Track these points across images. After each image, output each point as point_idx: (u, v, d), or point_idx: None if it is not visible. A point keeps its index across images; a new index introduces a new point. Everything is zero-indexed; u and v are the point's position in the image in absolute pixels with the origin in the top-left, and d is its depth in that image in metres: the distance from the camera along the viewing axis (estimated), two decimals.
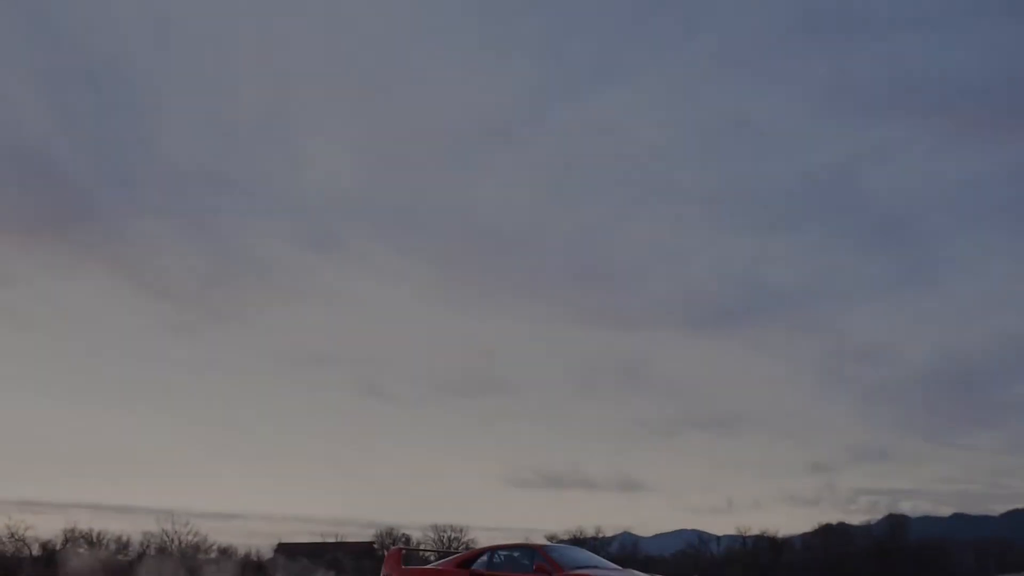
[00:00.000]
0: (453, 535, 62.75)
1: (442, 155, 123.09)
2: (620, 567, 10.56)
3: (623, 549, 67.26)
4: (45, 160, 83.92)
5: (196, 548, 53.92)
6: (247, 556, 54.30)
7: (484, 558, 10.38)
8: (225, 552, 54.61)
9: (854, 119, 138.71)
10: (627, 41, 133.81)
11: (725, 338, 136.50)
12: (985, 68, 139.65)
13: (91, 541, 52.98)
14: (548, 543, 10.41)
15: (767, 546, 76.68)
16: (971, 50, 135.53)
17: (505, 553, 10.30)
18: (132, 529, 56.24)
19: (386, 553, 11.14)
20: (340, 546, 60.48)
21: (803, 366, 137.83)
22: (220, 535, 60.58)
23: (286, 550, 56.17)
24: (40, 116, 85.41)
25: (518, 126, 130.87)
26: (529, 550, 10.10)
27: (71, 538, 52.25)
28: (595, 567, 10.05)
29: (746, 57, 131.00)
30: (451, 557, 10.96)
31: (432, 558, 12.77)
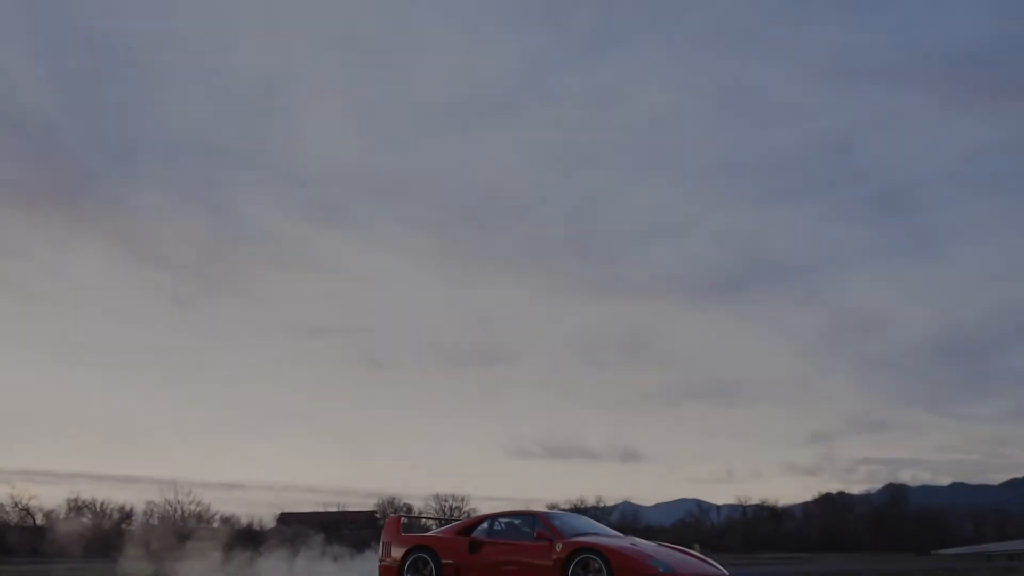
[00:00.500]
0: (454, 504, 63.21)
1: (442, 124, 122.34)
2: (622, 534, 10.40)
3: (624, 518, 67.71)
4: (44, 132, 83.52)
5: (198, 517, 54.28)
6: (249, 525, 54.67)
7: (484, 525, 10.23)
8: (227, 521, 55.00)
9: (855, 88, 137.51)
10: (628, 9, 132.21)
11: (726, 308, 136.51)
12: (988, 37, 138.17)
13: (94, 510, 53.37)
14: (550, 510, 10.25)
15: (767, 515, 77.24)
16: (974, 19, 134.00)
17: (506, 520, 10.15)
18: (135, 499, 56.55)
19: (385, 521, 10.98)
20: (342, 515, 60.91)
21: (804, 336, 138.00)
22: (222, 505, 61.05)
23: (288, 519, 56.53)
24: (39, 87, 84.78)
25: (519, 95, 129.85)
26: (530, 517, 9.94)
27: (74, 507, 52.60)
28: (597, 534, 9.89)
29: (747, 26, 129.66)
30: (451, 524, 10.79)
31: (432, 526, 12.64)
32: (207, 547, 12.87)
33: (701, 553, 10.11)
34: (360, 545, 12.89)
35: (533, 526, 9.76)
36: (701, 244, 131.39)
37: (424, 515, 14.08)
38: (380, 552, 10.73)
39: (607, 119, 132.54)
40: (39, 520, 51.40)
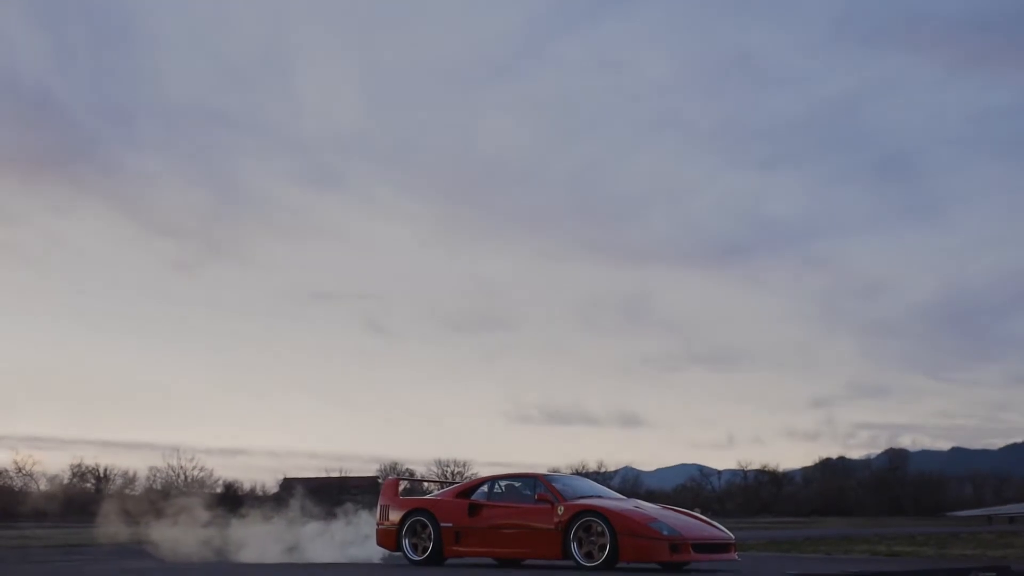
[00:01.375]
0: (456, 470, 63.45)
1: (443, 90, 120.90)
2: (625, 497, 10.17)
3: (625, 484, 68.00)
4: (43, 97, 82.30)
5: (201, 483, 54.55)
6: (252, 491, 54.93)
7: (484, 488, 10.01)
8: (230, 487, 55.27)
9: (858, 52, 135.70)
10: None
11: (727, 273, 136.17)
12: (993, 1, 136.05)
13: (98, 476, 53.62)
14: (551, 473, 10.01)
15: (768, 480, 77.62)
16: None
17: (506, 483, 9.93)
18: (139, 464, 56.81)
19: (383, 484, 10.75)
20: (345, 481, 61.19)
21: (804, 301, 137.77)
22: (226, 470, 61.30)
23: (291, 485, 56.80)
24: (37, 52, 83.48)
25: (519, 60, 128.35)
26: (531, 479, 9.71)
27: (78, 473, 52.83)
28: (600, 496, 9.66)
29: None
30: (450, 487, 10.56)
31: (433, 489, 12.43)
32: (190, 511, 12.67)
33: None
34: (356, 510, 12.66)
35: (534, 488, 9.53)
36: (702, 209, 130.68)
37: (424, 478, 13.90)
38: (377, 515, 10.52)
39: (608, 84, 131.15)
40: (43, 485, 51.69)
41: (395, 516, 10.23)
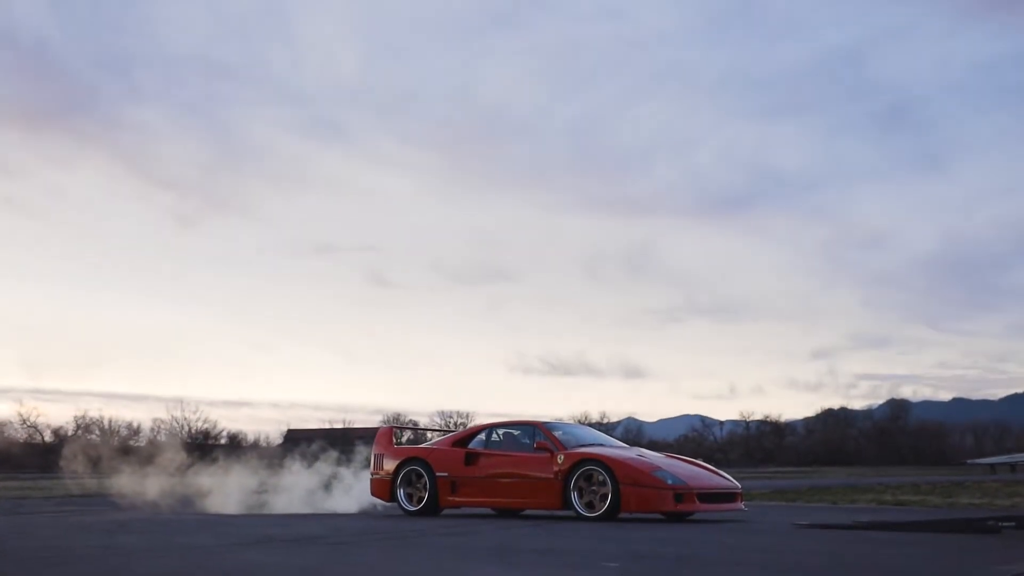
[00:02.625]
0: (459, 421, 63.69)
1: (443, 40, 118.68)
2: (628, 445, 9.82)
3: (627, 435, 68.30)
4: (41, 48, 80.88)
5: (205, 434, 54.80)
6: (256, 442, 55.21)
7: (481, 436, 9.68)
8: (234, 439, 55.55)
9: (863, 1, 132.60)
10: None
11: (729, 225, 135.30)
12: None
13: (102, 428, 53.84)
14: (551, 420, 9.64)
15: (769, 430, 77.97)
16: None
17: (504, 431, 9.59)
18: (143, 417, 56.99)
19: (377, 432, 10.40)
20: (349, 432, 61.46)
21: (807, 253, 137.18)
22: (230, 423, 61.57)
23: (295, 436, 57.04)
24: (35, 3, 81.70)
25: (521, 9, 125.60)
26: (530, 427, 9.35)
27: (82, 425, 53.02)
28: (601, 444, 9.32)
29: None
30: (447, 436, 10.22)
31: (433, 438, 12.09)
32: (164, 460, 12.37)
33: None
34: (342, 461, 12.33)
35: (533, 437, 9.18)
36: (705, 160, 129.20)
37: (423, 427, 13.69)
38: (372, 465, 10.18)
39: (610, 33, 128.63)
40: (47, 437, 51.93)
41: (389, 465, 9.89)
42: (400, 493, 9.74)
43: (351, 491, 11.58)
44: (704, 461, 9.71)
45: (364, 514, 10.45)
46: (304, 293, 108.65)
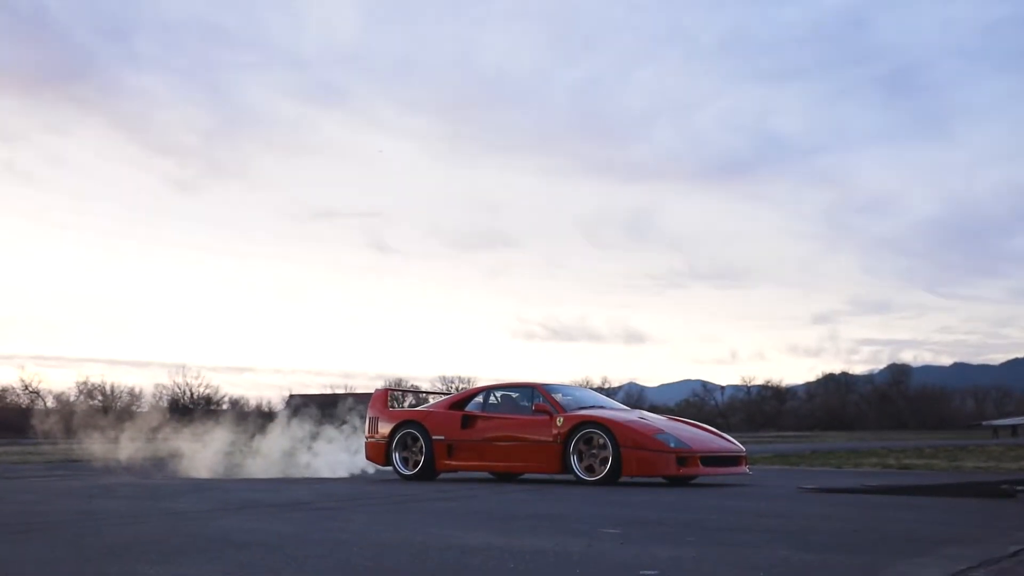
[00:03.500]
0: (461, 386, 63.73)
1: (444, 4, 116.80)
2: (629, 408, 9.55)
3: (629, 399, 68.44)
4: (40, 15, 79.76)
5: (207, 399, 54.84)
6: (258, 407, 55.23)
7: (479, 398, 9.42)
8: (236, 404, 55.61)
9: None
10: None
11: (731, 190, 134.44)
12: None
13: (104, 393, 53.86)
14: (550, 382, 9.36)
15: (770, 395, 78.05)
16: None
17: (502, 393, 9.33)
18: (145, 382, 57.07)
19: (373, 394, 10.13)
20: (350, 397, 61.51)
21: (808, 218, 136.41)
22: (232, 388, 61.69)
23: (296, 400, 57.11)
24: None
25: None
26: (529, 389, 9.09)
27: (84, 390, 53.06)
28: (602, 407, 9.05)
29: None
30: (444, 398, 9.95)
31: (430, 401, 11.84)
32: (157, 424, 12.19)
33: None
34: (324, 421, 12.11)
35: (532, 399, 8.91)
36: (706, 125, 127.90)
37: (423, 390, 13.46)
38: (367, 428, 9.93)
39: None
40: (49, 403, 51.98)
41: (384, 429, 9.64)
42: (395, 457, 9.49)
43: (343, 455, 11.39)
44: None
45: (356, 478, 10.24)
46: (306, 258, 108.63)
